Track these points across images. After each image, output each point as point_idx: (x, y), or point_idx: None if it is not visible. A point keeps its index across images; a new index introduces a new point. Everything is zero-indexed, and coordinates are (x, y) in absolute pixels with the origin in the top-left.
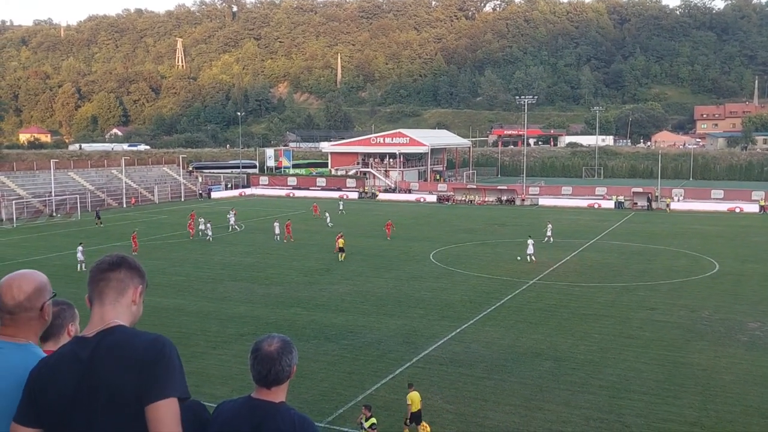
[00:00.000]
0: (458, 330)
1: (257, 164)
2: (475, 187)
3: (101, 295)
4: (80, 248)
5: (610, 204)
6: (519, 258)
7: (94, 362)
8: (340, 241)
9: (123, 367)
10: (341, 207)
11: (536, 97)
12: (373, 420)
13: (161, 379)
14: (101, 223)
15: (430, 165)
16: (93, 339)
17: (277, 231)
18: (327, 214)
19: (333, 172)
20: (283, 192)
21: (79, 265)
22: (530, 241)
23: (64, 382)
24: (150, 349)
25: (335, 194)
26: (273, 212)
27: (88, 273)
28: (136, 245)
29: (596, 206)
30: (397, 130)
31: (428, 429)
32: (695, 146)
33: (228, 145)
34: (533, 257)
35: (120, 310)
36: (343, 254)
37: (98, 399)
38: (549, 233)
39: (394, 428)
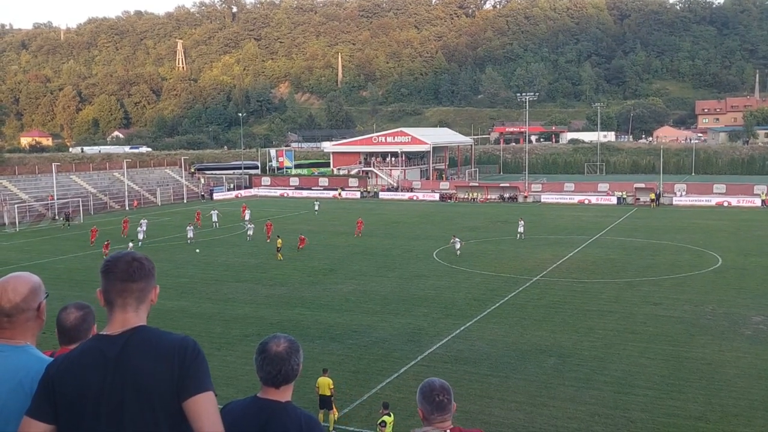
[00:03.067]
0: (462, 328)
1: (259, 165)
2: (477, 184)
3: (125, 304)
4: (144, 221)
5: (599, 199)
6: (198, 251)
7: (123, 359)
8: (279, 241)
9: (157, 363)
10: (317, 207)
11: (537, 93)
12: (385, 418)
13: (198, 374)
14: (69, 225)
15: (432, 163)
16: (119, 337)
17: (250, 233)
18: (215, 212)
19: (335, 171)
20: (285, 192)
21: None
22: (456, 239)
23: (88, 378)
24: (184, 346)
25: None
26: (275, 213)
27: (104, 272)
28: (93, 238)
29: (586, 202)
30: (399, 129)
31: (335, 415)
32: (697, 141)
33: (226, 147)
34: (458, 251)
35: (141, 314)
36: (279, 254)
37: (126, 395)
38: (521, 229)
39: (399, 427)
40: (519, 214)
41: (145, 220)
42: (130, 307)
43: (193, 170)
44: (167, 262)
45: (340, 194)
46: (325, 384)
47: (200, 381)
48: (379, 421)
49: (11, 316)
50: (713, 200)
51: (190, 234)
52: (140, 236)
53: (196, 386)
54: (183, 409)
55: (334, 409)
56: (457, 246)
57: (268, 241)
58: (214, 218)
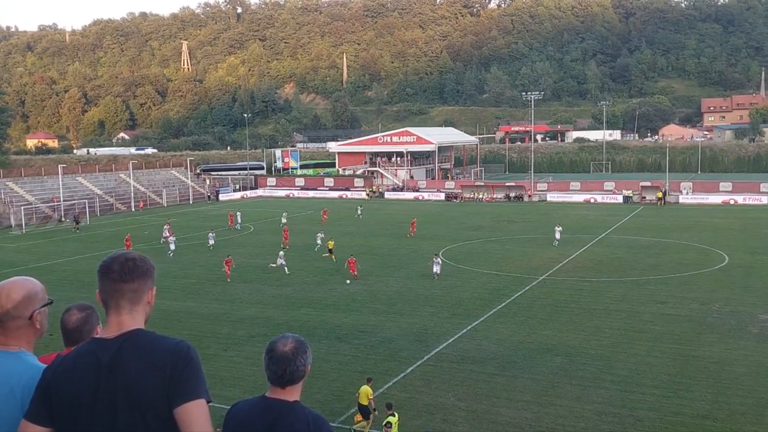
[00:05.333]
0: (469, 327)
1: (264, 165)
2: (482, 184)
3: (118, 306)
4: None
5: (605, 198)
6: (348, 282)
7: (116, 364)
8: (330, 243)
9: (149, 370)
10: (359, 212)
11: (543, 92)
12: (389, 419)
13: (190, 381)
14: (77, 229)
15: (438, 163)
16: (114, 341)
17: (319, 241)
18: (239, 213)
19: (341, 171)
20: (290, 192)
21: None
22: (438, 259)
23: (82, 383)
24: (176, 352)
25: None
26: (281, 214)
27: (99, 272)
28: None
29: (592, 201)
30: (404, 129)
31: (362, 422)
32: (703, 139)
33: (228, 147)
34: (437, 275)
35: (137, 317)
36: (332, 255)
37: (118, 400)
38: (558, 236)
39: (405, 427)
40: (556, 220)
41: (168, 225)
42: (123, 309)
43: (198, 171)
44: (173, 263)
45: (368, 195)
46: (364, 393)
47: (192, 388)
48: (384, 422)
49: (2, 322)
50: (719, 198)
51: (212, 241)
52: (172, 246)
53: (187, 394)
54: (174, 416)
55: (360, 418)
56: (436, 269)
57: (287, 247)
58: (238, 219)
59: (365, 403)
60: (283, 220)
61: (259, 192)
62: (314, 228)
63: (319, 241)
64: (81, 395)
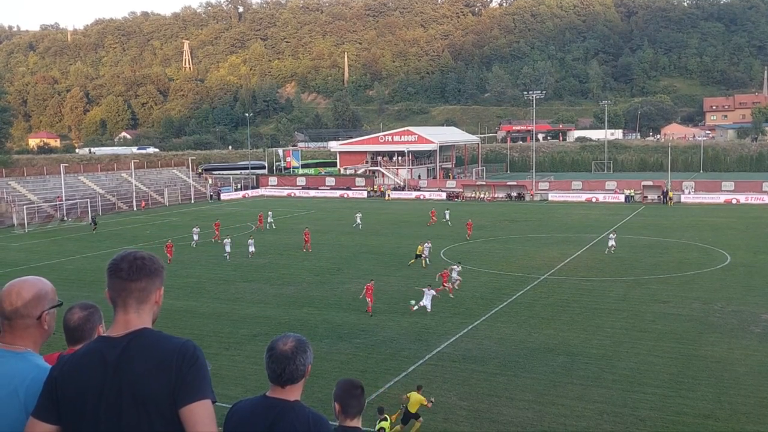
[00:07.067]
0: (470, 327)
1: (266, 165)
2: (484, 183)
3: (125, 304)
4: (196, 228)
5: (607, 198)
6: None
7: (122, 363)
8: (420, 248)
9: (155, 370)
10: (447, 217)
11: (544, 92)
12: (382, 424)
13: (195, 382)
14: (95, 229)
15: (439, 162)
16: (121, 340)
17: (426, 253)
18: (270, 212)
19: (342, 171)
20: (292, 192)
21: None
22: (430, 291)
23: (89, 381)
24: (182, 352)
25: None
26: (282, 213)
27: (107, 273)
28: (170, 254)
29: (594, 200)
30: (406, 128)
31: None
32: (705, 138)
33: (230, 146)
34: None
35: (144, 316)
36: (414, 260)
37: (123, 399)
38: (612, 243)
39: (406, 426)
40: (611, 229)
41: (197, 228)
42: (130, 308)
43: (200, 171)
44: (175, 263)
45: (389, 196)
46: (417, 401)
47: (197, 389)
48: (377, 429)
49: (10, 320)
50: (722, 197)
51: (252, 248)
52: (228, 249)
53: (192, 394)
54: (179, 416)
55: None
56: (425, 302)
57: (308, 250)
58: (270, 219)
59: (414, 410)
60: (357, 221)
61: (261, 191)
62: (310, 226)
63: (426, 251)
64: (87, 393)
